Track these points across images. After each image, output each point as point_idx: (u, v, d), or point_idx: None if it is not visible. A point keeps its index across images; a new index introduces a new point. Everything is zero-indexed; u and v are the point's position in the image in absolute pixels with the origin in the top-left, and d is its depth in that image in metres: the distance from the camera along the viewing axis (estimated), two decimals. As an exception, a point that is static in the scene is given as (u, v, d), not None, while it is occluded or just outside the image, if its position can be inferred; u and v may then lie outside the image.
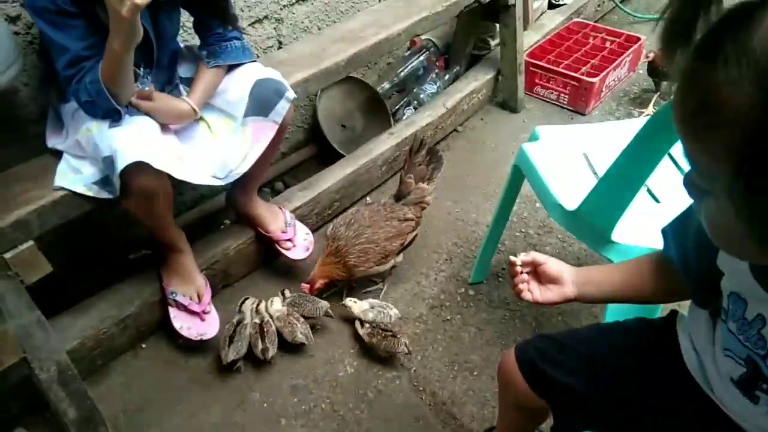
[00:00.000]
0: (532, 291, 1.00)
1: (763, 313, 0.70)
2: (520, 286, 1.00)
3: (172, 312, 1.71)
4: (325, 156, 2.45)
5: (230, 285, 1.97)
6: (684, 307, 0.98)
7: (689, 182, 0.62)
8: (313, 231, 2.17)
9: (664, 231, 0.93)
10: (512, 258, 1.02)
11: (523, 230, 2.22)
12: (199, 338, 1.69)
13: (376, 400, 1.65)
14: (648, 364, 0.95)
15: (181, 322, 1.70)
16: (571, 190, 1.43)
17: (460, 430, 1.58)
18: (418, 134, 2.05)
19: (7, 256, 1.31)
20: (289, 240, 1.92)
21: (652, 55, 2.75)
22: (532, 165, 1.53)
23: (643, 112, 2.79)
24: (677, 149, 1.44)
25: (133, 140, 1.35)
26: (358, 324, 1.77)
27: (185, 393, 1.67)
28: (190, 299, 1.70)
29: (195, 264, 1.74)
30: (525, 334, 1.83)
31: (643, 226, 1.34)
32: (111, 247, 1.96)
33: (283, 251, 1.92)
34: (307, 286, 1.81)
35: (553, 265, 1.00)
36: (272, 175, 2.38)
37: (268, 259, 2.03)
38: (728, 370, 0.79)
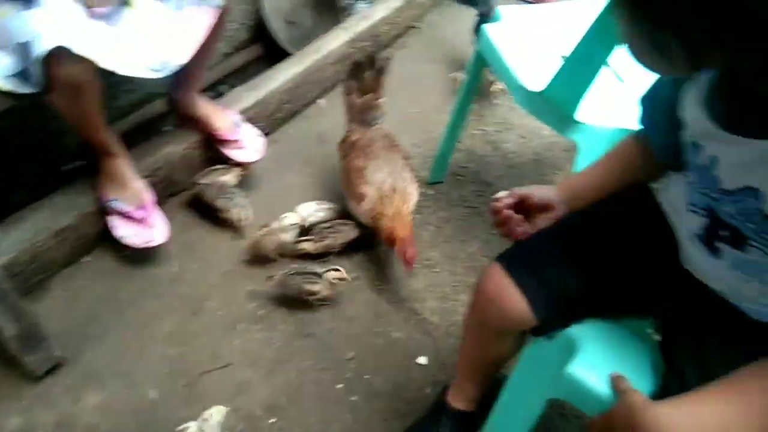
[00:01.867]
0: (527, 230, 0.96)
1: (717, 154, 0.70)
2: (520, 230, 0.96)
3: (112, 221, 1.60)
4: (274, 56, 2.28)
5: (177, 194, 1.85)
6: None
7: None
8: (265, 135, 2.05)
9: (640, 99, 0.93)
10: (494, 204, 0.98)
11: (482, 128, 2.16)
12: (146, 245, 1.59)
13: (336, 302, 1.61)
14: (634, 235, 0.92)
15: (123, 231, 1.59)
16: (534, 71, 1.35)
17: (423, 323, 1.57)
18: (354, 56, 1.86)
19: None
20: (237, 141, 1.79)
21: None
22: (493, 47, 1.44)
23: None
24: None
25: (52, 22, 1.19)
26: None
27: (135, 305, 1.59)
28: (131, 205, 1.59)
29: (131, 168, 1.62)
30: (484, 230, 1.81)
31: (607, 106, 1.29)
32: (42, 158, 1.80)
33: (232, 153, 1.80)
34: (412, 253, 1.53)
35: (538, 194, 0.96)
36: (215, 77, 2.21)
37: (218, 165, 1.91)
38: (693, 226, 0.79)
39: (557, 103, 1.26)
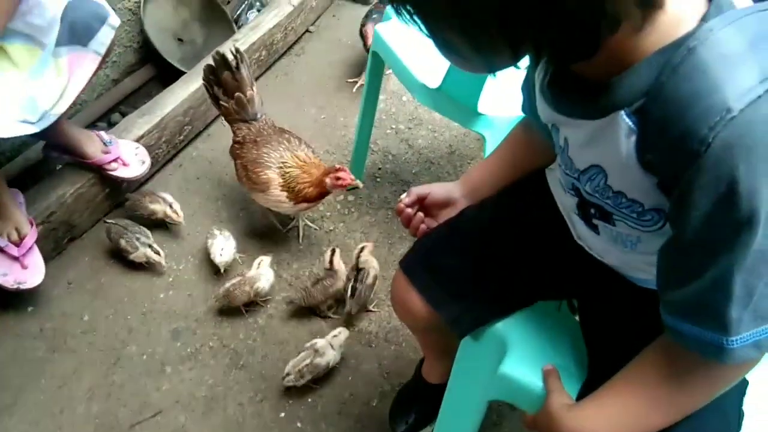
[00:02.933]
0: (429, 225, 0.97)
1: (567, 136, 0.72)
2: (421, 227, 0.97)
3: None
4: (167, 77, 2.16)
5: (78, 237, 1.72)
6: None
7: None
8: (167, 162, 1.95)
9: (521, 87, 0.92)
10: (397, 205, 0.99)
11: (393, 126, 2.15)
12: (15, 287, 1.46)
13: (267, 326, 1.56)
14: (533, 220, 0.92)
15: None
16: (432, 67, 1.34)
17: (359, 335, 1.54)
18: (226, 50, 1.62)
19: None
20: (115, 160, 1.67)
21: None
22: (388, 47, 1.42)
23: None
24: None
25: None
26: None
27: (49, 363, 1.46)
28: (9, 240, 1.47)
29: (11, 198, 1.50)
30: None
31: (507, 95, 1.30)
32: None
33: (117, 173, 1.68)
34: (341, 175, 1.51)
35: (437, 191, 0.98)
36: (106, 105, 2.07)
37: (120, 201, 1.79)
38: (570, 205, 0.80)
39: (457, 98, 1.26)
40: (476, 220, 0.95)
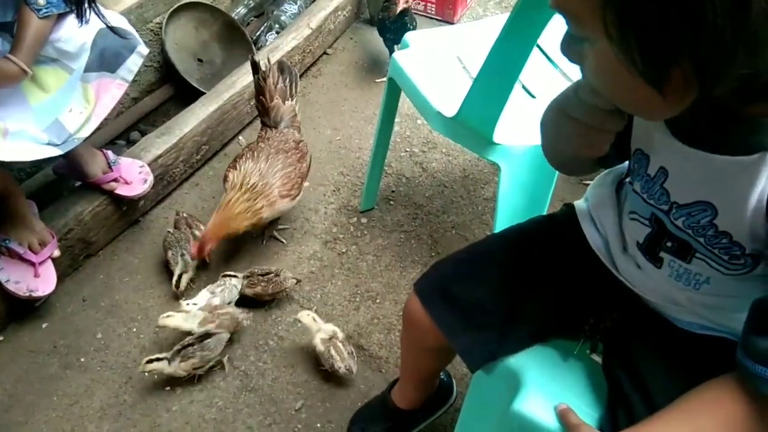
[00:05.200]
0: None
1: (667, 167, 0.69)
2: None
3: (1, 262, 1.48)
4: (186, 96, 2.19)
5: (94, 255, 1.74)
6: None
7: (566, 44, 0.60)
8: (183, 181, 1.97)
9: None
10: None
11: (407, 149, 2.16)
12: (27, 295, 1.47)
13: (278, 348, 1.56)
14: (555, 254, 0.92)
15: (8, 275, 1.47)
16: (448, 96, 1.35)
17: (370, 359, 1.53)
18: (260, 59, 1.74)
19: None
20: (115, 180, 1.68)
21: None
22: (405, 75, 1.43)
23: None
24: (545, 40, 1.40)
25: None
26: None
27: (61, 381, 1.48)
28: (28, 248, 1.49)
29: (29, 210, 1.54)
30: (422, 253, 1.80)
31: (523, 124, 1.31)
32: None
33: (118, 191, 1.69)
34: (196, 245, 1.58)
35: None
36: (126, 123, 2.10)
37: (135, 220, 1.81)
38: (634, 234, 0.79)
39: (473, 127, 1.26)
40: (497, 251, 0.95)
